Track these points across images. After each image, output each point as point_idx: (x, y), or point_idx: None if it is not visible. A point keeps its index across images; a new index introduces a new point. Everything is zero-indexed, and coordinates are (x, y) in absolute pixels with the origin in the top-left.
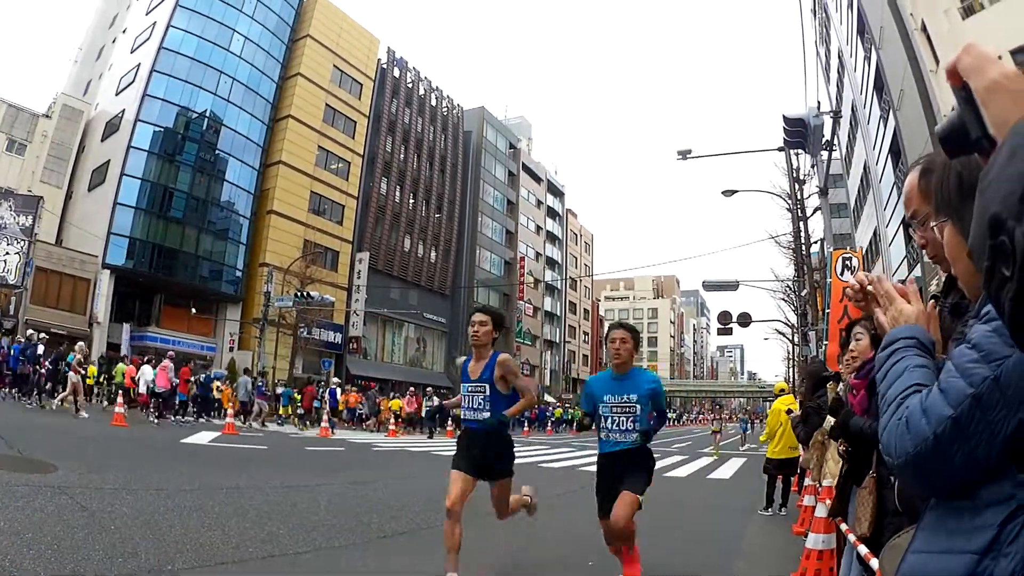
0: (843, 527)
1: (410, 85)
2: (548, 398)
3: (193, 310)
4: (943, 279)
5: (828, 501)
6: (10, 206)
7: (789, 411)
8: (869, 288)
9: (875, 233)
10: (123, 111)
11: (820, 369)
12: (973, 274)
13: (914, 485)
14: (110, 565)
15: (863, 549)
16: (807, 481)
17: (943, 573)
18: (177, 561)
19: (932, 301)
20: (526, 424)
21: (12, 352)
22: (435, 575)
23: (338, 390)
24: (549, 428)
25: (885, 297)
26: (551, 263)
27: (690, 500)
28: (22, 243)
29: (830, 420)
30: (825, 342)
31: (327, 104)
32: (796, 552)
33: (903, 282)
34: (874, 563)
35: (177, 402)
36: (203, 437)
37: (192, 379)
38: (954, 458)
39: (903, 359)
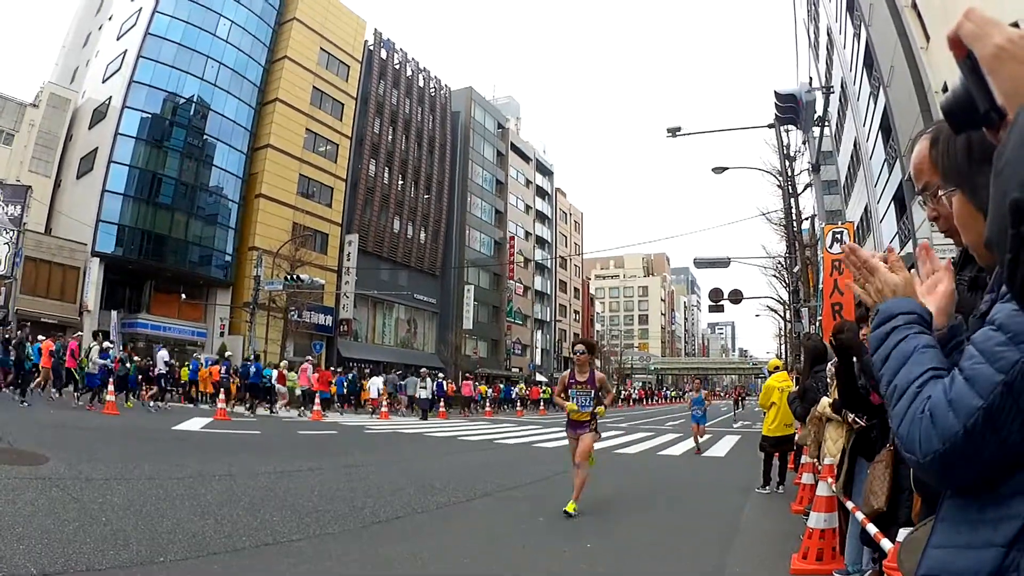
0: (849, 505)
1: (397, 66)
2: (539, 377)
3: (183, 296)
4: (959, 253)
5: (830, 480)
6: None
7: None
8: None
9: (866, 210)
10: (110, 98)
11: (819, 345)
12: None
13: (939, 482)
14: (101, 558)
15: (872, 528)
16: (804, 459)
17: (968, 569)
18: (169, 552)
19: (948, 260)
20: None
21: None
22: (427, 559)
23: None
24: (542, 408)
25: (864, 268)
26: (541, 242)
27: (685, 479)
28: (11, 233)
29: (826, 401)
30: (819, 317)
31: (314, 87)
32: (796, 530)
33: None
34: (885, 544)
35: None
36: (195, 423)
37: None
38: (985, 451)
39: (906, 338)
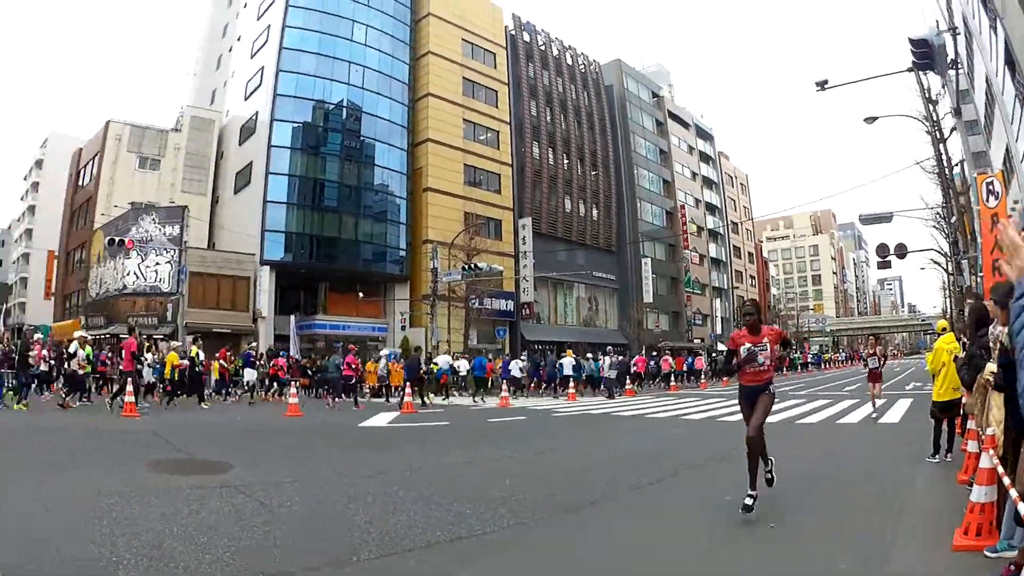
0: (1006, 481)
1: (542, 47)
2: (720, 346)
3: (360, 294)
4: None
5: (992, 451)
6: (153, 219)
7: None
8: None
9: (1007, 149)
10: (256, 113)
11: (983, 306)
12: None
13: None
14: (292, 561)
15: None
16: (970, 425)
17: None
18: (362, 551)
19: None
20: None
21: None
22: (623, 544)
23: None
24: (725, 380)
25: (1011, 248)
26: (711, 208)
27: (863, 450)
28: (172, 252)
29: (991, 367)
30: (981, 273)
31: (464, 77)
32: (961, 503)
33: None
34: None
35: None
36: (381, 419)
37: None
38: None
39: None
